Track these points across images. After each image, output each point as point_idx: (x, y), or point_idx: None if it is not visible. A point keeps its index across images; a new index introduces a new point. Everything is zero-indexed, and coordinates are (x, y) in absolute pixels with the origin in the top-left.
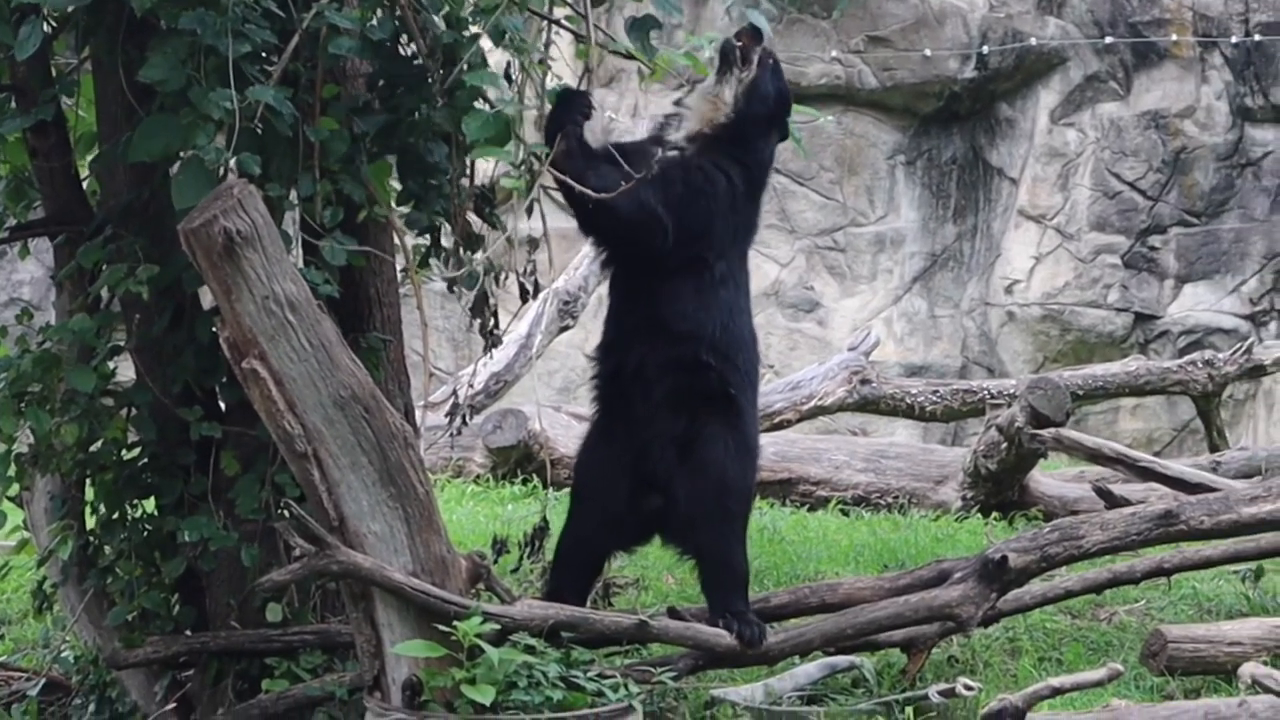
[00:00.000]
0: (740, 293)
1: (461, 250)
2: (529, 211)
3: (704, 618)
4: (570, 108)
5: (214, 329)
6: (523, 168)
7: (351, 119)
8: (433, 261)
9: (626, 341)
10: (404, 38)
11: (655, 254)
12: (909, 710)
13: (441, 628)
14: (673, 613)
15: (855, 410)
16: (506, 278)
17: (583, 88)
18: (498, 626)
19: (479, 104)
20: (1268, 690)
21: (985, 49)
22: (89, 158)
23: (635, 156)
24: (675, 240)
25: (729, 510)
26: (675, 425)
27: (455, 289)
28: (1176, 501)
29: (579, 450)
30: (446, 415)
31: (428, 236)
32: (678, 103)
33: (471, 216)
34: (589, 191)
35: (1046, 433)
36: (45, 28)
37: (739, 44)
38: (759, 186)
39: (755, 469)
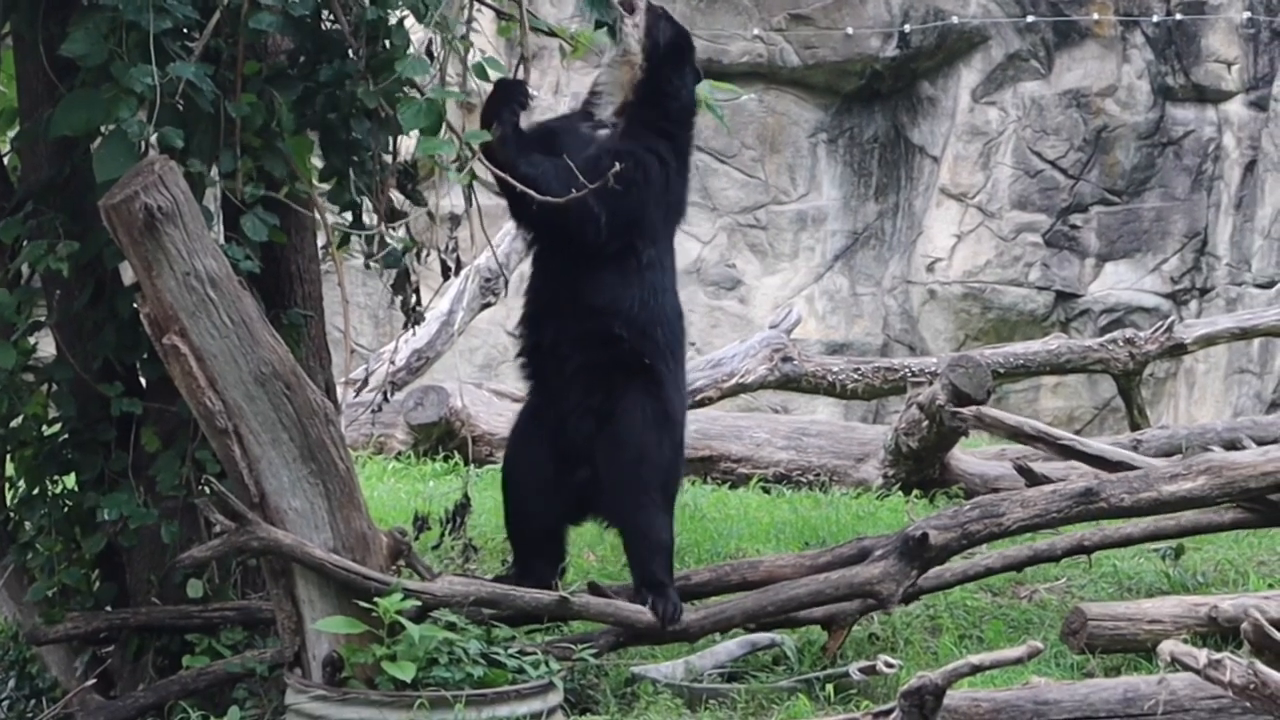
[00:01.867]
0: (665, 274)
1: (383, 227)
2: (467, 199)
3: (625, 594)
4: (507, 97)
5: (135, 305)
6: (457, 160)
7: (271, 93)
8: (353, 238)
9: (543, 316)
10: (326, 13)
11: (587, 245)
12: (829, 687)
13: (362, 604)
14: (593, 589)
15: (777, 388)
16: (428, 255)
17: (519, 76)
18: (418, 603)
19: (408, 90)
20: (1187, 668)
21: (907, 27)
22: (10, 134)
23: (566, 136)
24: (609, 232)
25: (645, 480)
26: (592, 398)
27: (376, 265)
28: (1097, 479)
29: (513, 425)
30: (355, 392)
31: (349, 213)
32: (595, 86)
33: (394, 193)
34: (526, 189)
35: (967, 411)
36: None
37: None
38: (686, 150)
39: (678, 437)
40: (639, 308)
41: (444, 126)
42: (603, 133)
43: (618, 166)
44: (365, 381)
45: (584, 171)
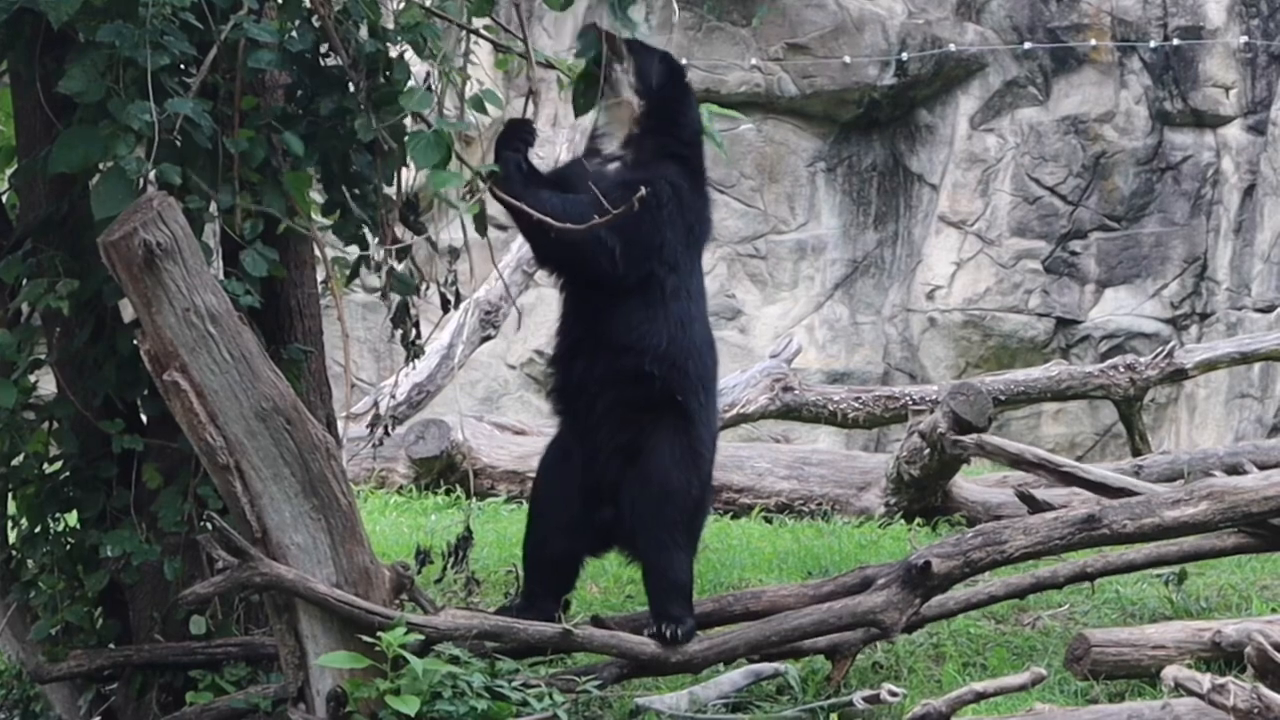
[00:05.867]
0: (693, 302)
1: (391, 256)
2: (481, 231)
3: (628, 626)
4: (512, 136)
5: (135, 342)
6: (469, 192)
7: (271, 130)
8: (362, 270)
9: (573, 354)
10: (323, 48)
11: (606, 277)
12: (834, 716)
13: (365, 639)
14: (597, 621)
15: (778, 418)
16: (428, 288)
17: (527, 114)
18: (422, 637)
19: (412, 124)
20: (1191, 693)
21: (904, 55)
22: (8, 171)
23: (576, 176)
24: (625, 262)
25: (669, 519)
26: (621, 436)
27: (387, 295)
28: (1099, 506)
29: (540, 459)
30: (368, 426)
31: (355, 246)
32: (596, 128)
33: (398, 225)
34: (543, 219)
35: (969, 438)
36: None
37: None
38: (700, 170)
39: (706, 473)
40: (668, 343)
41: (453, 158)
42: (612, 166)
43: (627, 195)
44: (376, 415)
45: (593, 204)
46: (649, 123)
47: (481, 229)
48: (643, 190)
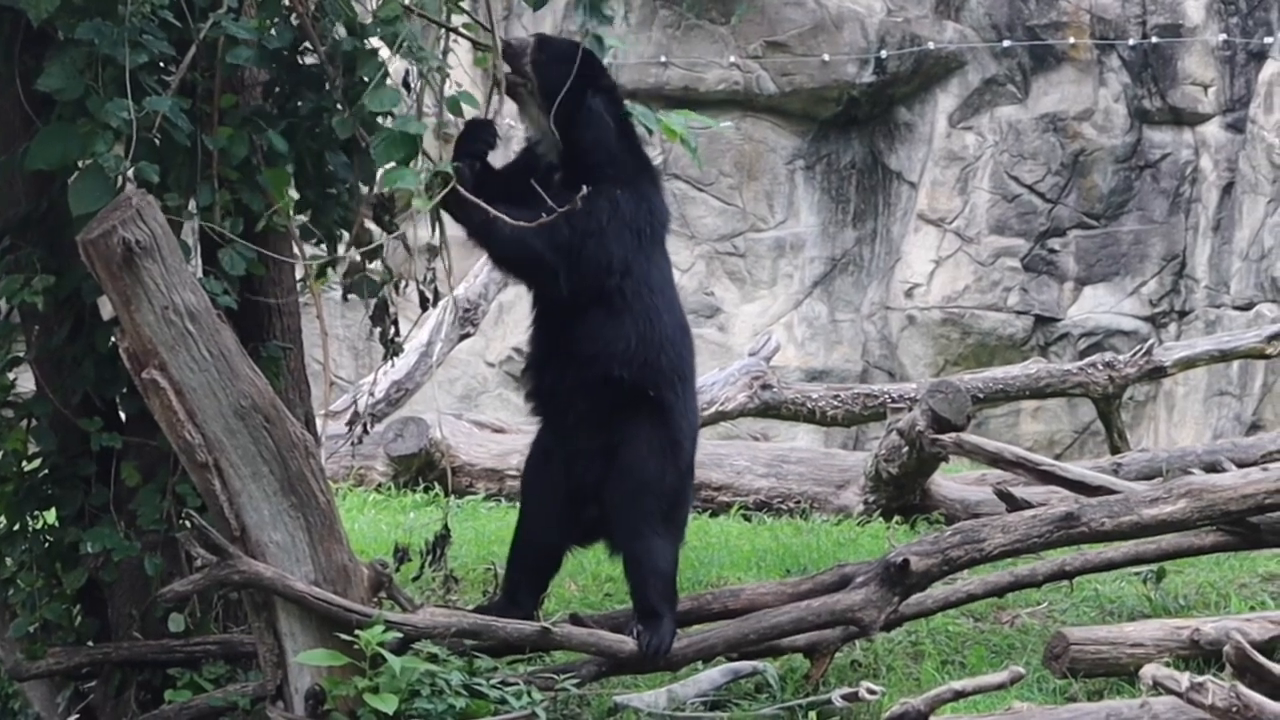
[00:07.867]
0: (656, 295)
1: (357, 256)
2: (433, 227)
3: (607, 624)
4: (472, 138)
5: (113, 339)
6: (428, 190)
7: (250, 127)
8: (329, 270)
9: (544, 362)
10: (302, 45)
11: (556, 295)
12: (812, 715)
13: (344, 636)
14: (575, 619)
15: (756, 415)
16: (406, 286)
17: (491, 112)
18: (400, 635)
19: (382, 120)
20: (1169, 691)
21: (883, 53)
22: None
23: (526, 176)
24: (571, 283)
25: (645, 509)
26: (597, 439)
27: (361, 297)
28: (1078, 504)
29: (525, 460)
30: (347, 424)
31: (325, 246)
32: (529, 140)
33: (370, 225)
34: (481, 242)
35: (947, 437)
36: None
37: (507, 69)
38: (640, 176)
39: (685, 462)
40: (636, 343)
41: (418, 157)
42: (557, 176)
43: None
44: (355, 413)
45: (542, 227)
46: (570, 151)
47: (432, 226)
48: (584, 213)
